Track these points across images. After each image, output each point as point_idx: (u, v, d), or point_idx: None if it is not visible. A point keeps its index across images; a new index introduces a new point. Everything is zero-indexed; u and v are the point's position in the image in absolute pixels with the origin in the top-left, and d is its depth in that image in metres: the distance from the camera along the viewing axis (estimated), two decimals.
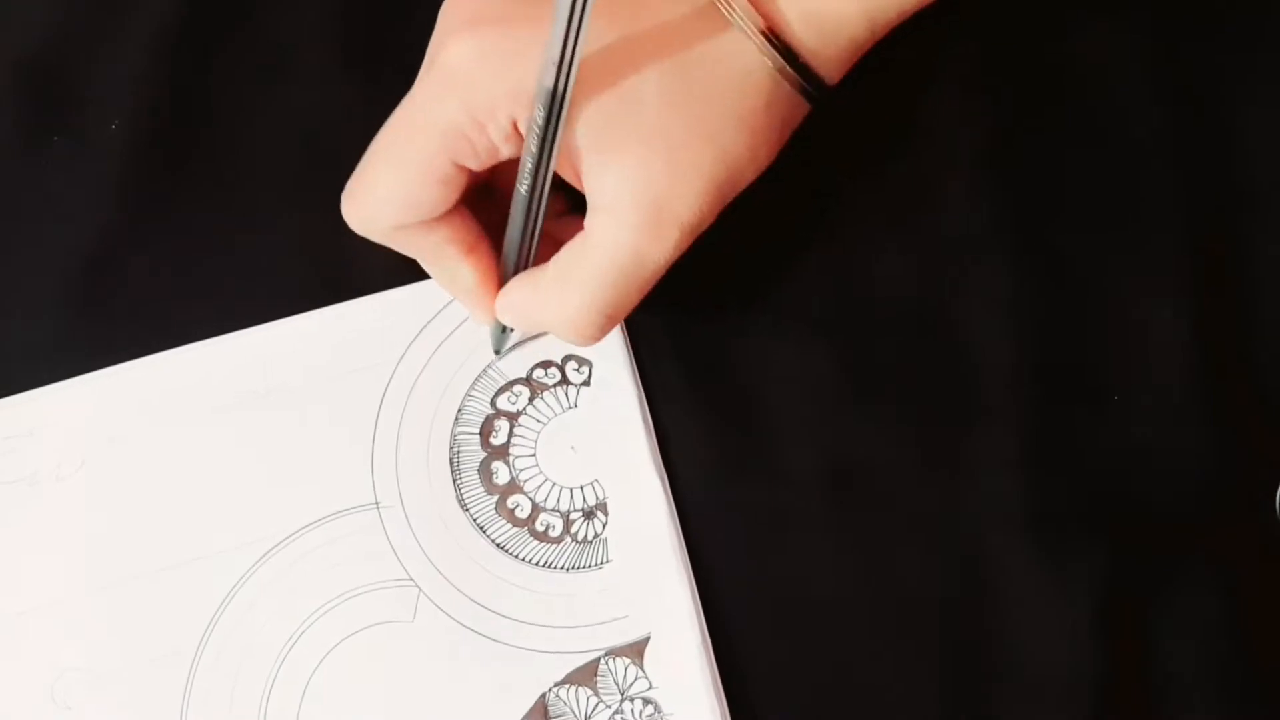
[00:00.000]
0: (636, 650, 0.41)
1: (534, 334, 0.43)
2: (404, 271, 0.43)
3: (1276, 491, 0.41)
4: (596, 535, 0.42)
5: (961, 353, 0.42)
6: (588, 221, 0.38)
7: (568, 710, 0.40)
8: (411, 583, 0.42)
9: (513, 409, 0.43)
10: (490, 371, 0.43)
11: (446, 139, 0.37)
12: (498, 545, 0.42)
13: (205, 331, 0.44)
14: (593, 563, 0.42)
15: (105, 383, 0.43)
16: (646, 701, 0.40)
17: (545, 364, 0.43)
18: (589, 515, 0.42)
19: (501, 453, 0.43)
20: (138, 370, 0.43)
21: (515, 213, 0.38)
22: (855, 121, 0.43)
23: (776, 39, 0.37)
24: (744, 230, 0.40)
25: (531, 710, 0.40)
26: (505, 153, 0.37)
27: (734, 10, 0.37)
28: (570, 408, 0.43)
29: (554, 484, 0.42)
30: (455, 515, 0.42)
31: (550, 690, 0.41)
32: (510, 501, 0.42)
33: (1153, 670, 0.40)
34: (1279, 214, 0.43)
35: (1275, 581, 0.41)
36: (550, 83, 0.34)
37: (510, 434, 0.43)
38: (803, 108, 0.39)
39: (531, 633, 0.41)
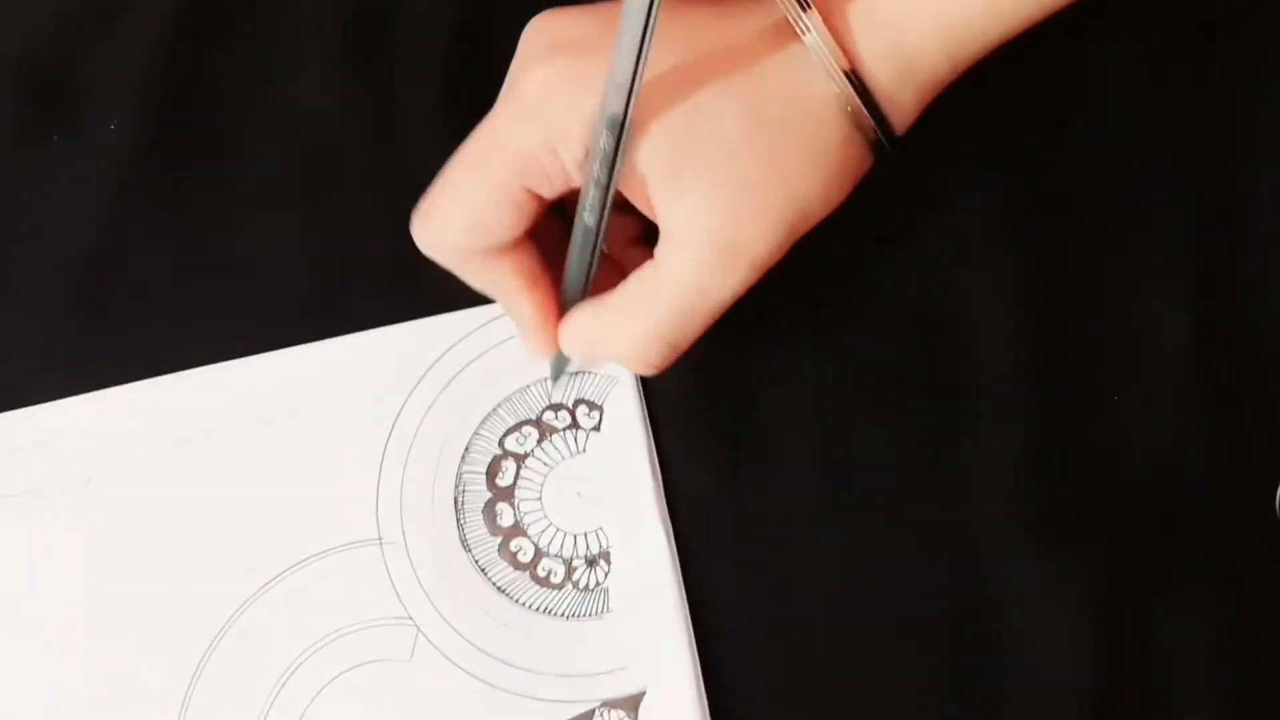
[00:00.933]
0: (632, 704, 0.40)
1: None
2: (400, 272, 0.42)
3: (1276, 491, 0.41)
4: (598, 584, 0.41)
5: (962, 353, 0.42)
6: (658, 251, 0.37)
7: None
8: (410, 621, 0.41)
9: (520, 450, 0.43)
10: (499, 411, 0.43)
11: (521, 164, 0.37)
12: (498, 588, 0.42)
13: (203, 334, 0.43)
14: (593, 611, 0.41)
15: (115, 400, 0.43)
16: None
17: (556, 406, 0.43)
18: (591, 563, 0.42)
19: (507, 494, 0.42)
20: (147, 390, 0.43)
21: (576, 240, 0.38)
22: None
23: (857, 79, 0.37)
24: None
25: None
26: (578, 180, 0.37)
27: (820, 50, 0.36)
28: (579, 453, 0.42)
29: (558, 529, 0.42)
30: (457, 555, 0.42)
31: None
32: (513, 544, 0.42)
33: (1153, 669, 0.40)
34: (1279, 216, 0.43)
35: (1276, 581, 0.41)
36: (614, 108, 0.34)
37: (517, 476, 0.42)
38: (869, 157, 0.38)
39: (528, 679, 0.41)
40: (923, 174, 0.43)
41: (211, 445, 0.43)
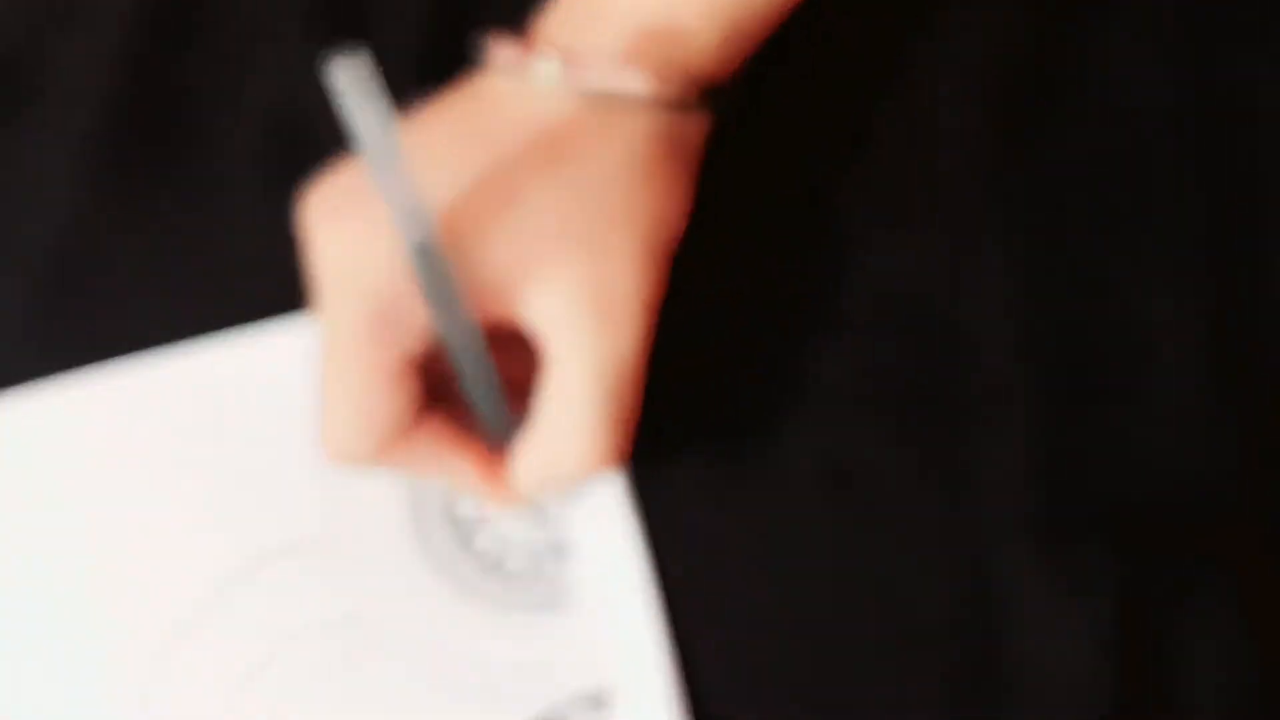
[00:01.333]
0: (599, 700, 0.40)
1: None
2: None
3: None
4: (562, 577, 0.41)
5: (965, 356, 0.42)
6: (547, 354, 0.36)
7: None
8: (369, 619, 0.40)
9: None
10: None
11: (371, 335, 0.35)
12: (460, 582, 0.41)
13: (173, 328, 0.43)
14: (558, 604, 0.41)
15: (62, 393, 0.42)
16: None
17: None
18: (555, 556, 0.41)
19: None
20: (91, 382, 0.42)
21: (465, 381, 0.36)
22: (854, 121, 0.42)
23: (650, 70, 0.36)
24: (743, 231, 0.40)
25: None
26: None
27: (558, 78, 0.36)
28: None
29: (522, 523, 0.41)
30: (416, 549, 0.41)
31: None
32: (476, 538, 0.41)
33: (1162, 676, 0.40)
34: None
35: None
36: (416, 237, 0.33)
37: None
38: (699, 123, 0.38)
39: (492, 676, 0.40)
40: (924, 173, 0.43)
41: (159, 441, 0.42)
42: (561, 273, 0.35)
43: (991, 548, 0.41)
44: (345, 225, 0.35)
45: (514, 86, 0.36)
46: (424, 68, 0.43)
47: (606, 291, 0.35)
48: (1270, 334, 0.42)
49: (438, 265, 0.33)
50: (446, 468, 0.38)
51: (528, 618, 0.40)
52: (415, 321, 0.35)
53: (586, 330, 0.35)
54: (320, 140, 0.42)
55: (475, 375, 0.36)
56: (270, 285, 0.43)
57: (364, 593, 0.40)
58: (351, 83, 0.30)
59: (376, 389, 0.36)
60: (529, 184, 0.35)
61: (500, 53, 0.37)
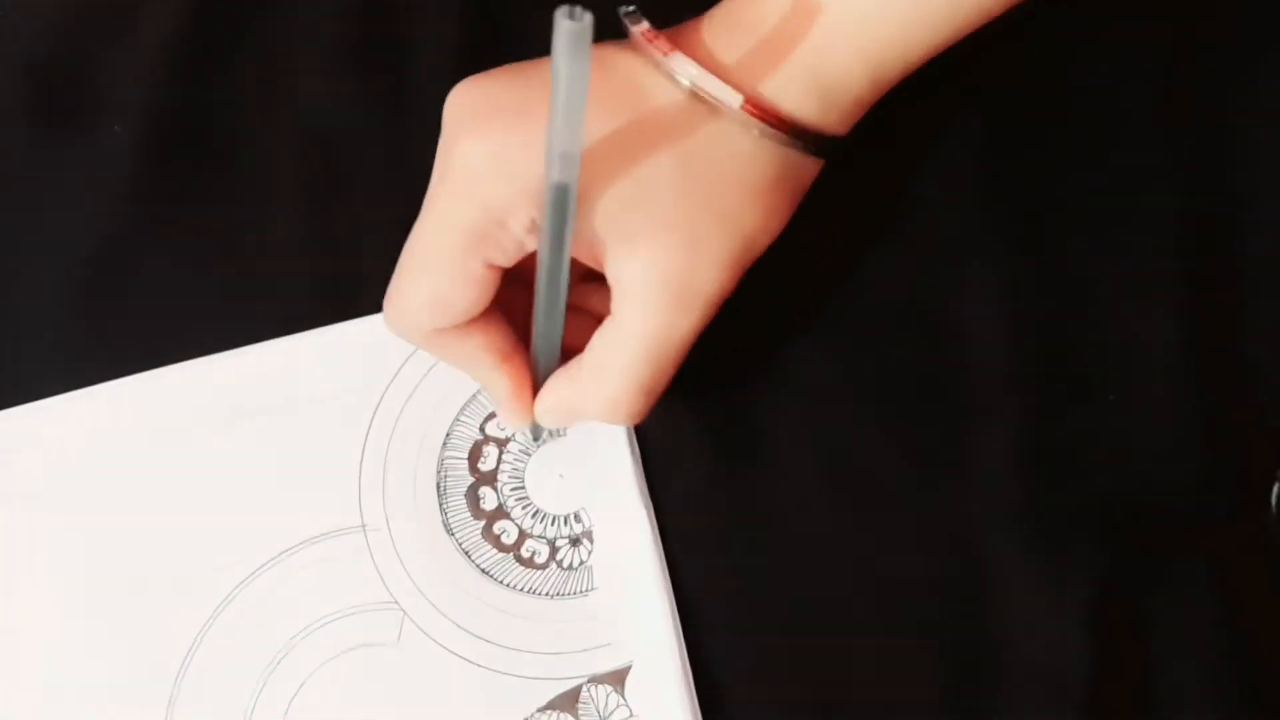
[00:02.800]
0: (618, 678, 0.41)
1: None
2: None
3: (1272, 492, 0.42)
4: (582, 563, 0.42)
5: (958, 354, 0.43)
6: (615, 309, 0.38)
7: None
8: (396, 606, 0.42)
9: (502, 435, 0.43)
10: (480, 397, 0.43)
11: (471, 241, 0.37)
12: (483, 570, 0.42)
13: (207, 337, 0.43)
14: (577, 590, 0.42)
15: (100, 398, 0.43)
16: None
17: None
18: (575, 543, 0.43)
19: (489, 478, 0.43)
20: (130, 387, 0.43)
21: (539, 309, 0.38)
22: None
23: (773, 115, 0.38)
24: None
25: None
26: (531, 246, 0.38)
27: (718, 99, 0.37)
28: (559, 436, 0.43)
29: (541, 511, 0.43)
30: (441, 539, 0.42)
31: (532, 716, 0.41)
32: (497, 527, 0.43)
33: (1149, 669, 0.41)
34: (1274, 219, 0.44)
35: (1271, 582, 0.41)
36: (560, 178, 0.34)
37: (499, 460, 0.43)
38: (815, 164, 0.40)
39: (515, 658, 0.42)
40: (921, 176, 0.44)
41: (194, 439, 0.43)
42: (654, 249, 0.37)
43: (982, 544, 0.42)
44: (491, 135, 0.36)
45: (655, 79, 0.37)
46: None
47: (687, 280, 0.37)
48: (1246, 337, 0.43)
49: (568, 207, 0.35)
50: (484, 373, 0.40)
51: (548, 602, 0.42)
52: (512, 242, 0.37)
53: (657, 304, 0.37)
54: (356, 161, 0.45)
55: (549, 303, 0.38)
56: (303, 297, 0.44)
57: (390, 582, 0.42)
58: (569, 37, 0.31)
59: (448, 284, 0.37)
60: (656, 160, 0.37)
61: (652, 45, 0.37)
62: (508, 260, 0.38)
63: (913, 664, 0.41)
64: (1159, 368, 0.43)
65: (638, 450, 0.43)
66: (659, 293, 0.37)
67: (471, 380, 0.42)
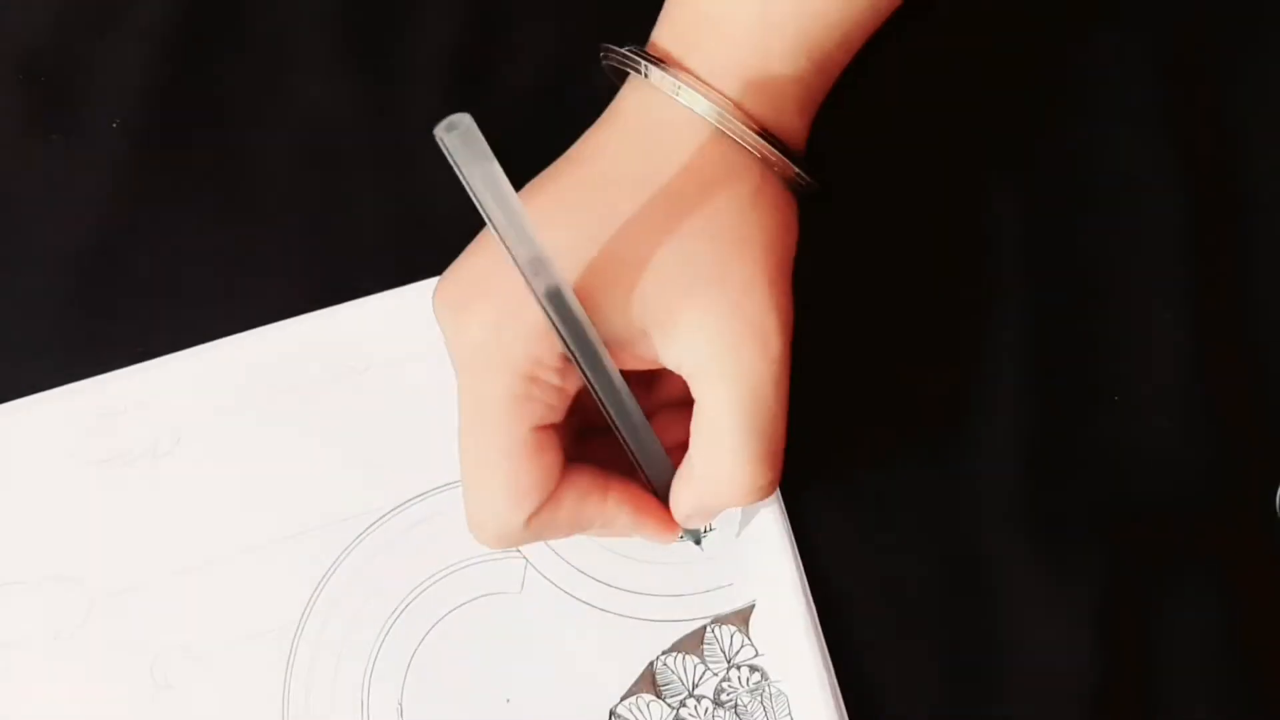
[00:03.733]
0: (742, 618, 0.42)
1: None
2: (405, 270, 0.43)
3: (1276, 492, 0.42)
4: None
5: (962, 352, 0.43)
6: (694, 392, 0.36)
7: (675, 678, 0.41)
8: (518, 554, 0.42)
9: None
10: None
11: (512, 408, 0.36)
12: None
13: (205, 331, 0.43)
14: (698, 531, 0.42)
15: (205, 358, 0.43)
16: (753, 669, 0.41)
17: None
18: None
19: None
20: (236, 345, 0.43)
21: (617, 426, 0.37)
22: (856, 124, 0.43)
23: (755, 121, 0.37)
24: None
25: (639, 678, 0.41)
26: (571, 387, 0.36)
27: (727, 121, 0.37)
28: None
29: None
30: None
31: (658, 658, 0.41)
32: None
33: (1153, 670, 0.41)
34: (1279, 218, 0.44)
35: (1274, 581, 0.42)
36: (540, 287, 0.34)
37: None
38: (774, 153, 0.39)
39: (638, 601, 0.42)
40: (924, 175, 0.43)
41: (306, 393, 0.42)
42: (693, 315, 0.35)
43: (987, 544, 0.42)
44: (474, 311, 0.36)
45: (655, 114, 0.37)
46: (456, 76, 0.45)
47: (737, 319, 0.36)
48: (1250, 336, 0.43)
49: (572, 311, 0.34)
50: (601, 518, 0.38)
51: (669, 544, 0.42)
52: (552, 388, 0.36)
53: (725, 360, 0.36)
54: (353, 155, 0.45)
55: (624, 420, 0.37)
56: (300, 292, 0.43)
57: None
58: (460, 144, 0.31)
59: (517, 467, 0.36)
60: (653, 238, 0.36)
61: (658, 72, 0.37)
62: (556, 414, 0.36)
63: (916, 657, 0.41)
64: (1165, 367, 0.43)
65: None
66: (721, 350, 0.36)
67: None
